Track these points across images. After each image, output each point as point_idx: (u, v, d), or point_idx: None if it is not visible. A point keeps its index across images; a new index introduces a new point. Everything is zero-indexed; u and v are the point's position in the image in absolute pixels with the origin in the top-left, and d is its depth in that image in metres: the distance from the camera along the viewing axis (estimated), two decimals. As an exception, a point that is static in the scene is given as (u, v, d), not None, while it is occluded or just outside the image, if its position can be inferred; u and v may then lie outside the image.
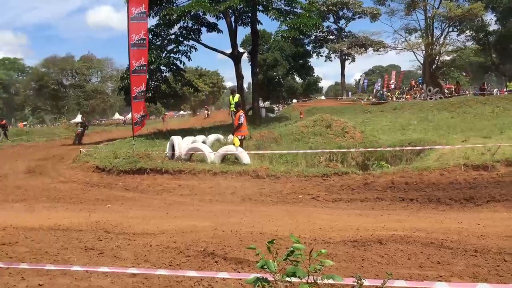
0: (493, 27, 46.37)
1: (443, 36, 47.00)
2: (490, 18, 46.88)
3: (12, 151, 24.75)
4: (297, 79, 65.78)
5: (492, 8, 43.18)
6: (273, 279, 2.59)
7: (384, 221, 7.48)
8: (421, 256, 5.07)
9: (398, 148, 14.60)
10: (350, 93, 73.45)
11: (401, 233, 6.08)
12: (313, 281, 2.57)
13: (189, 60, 30.14)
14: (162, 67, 29.69)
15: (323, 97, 74.57)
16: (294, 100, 61.15)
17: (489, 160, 10.78)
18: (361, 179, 11.27)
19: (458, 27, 46.09)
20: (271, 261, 2.58)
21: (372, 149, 14.85)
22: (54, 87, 76.64)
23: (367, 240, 5.85)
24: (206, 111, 53.46)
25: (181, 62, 29.61)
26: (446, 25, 46.15)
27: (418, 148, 14.28)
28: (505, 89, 45.13)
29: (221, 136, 18.32)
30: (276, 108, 56.64)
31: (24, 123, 77.85)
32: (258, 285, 2.53)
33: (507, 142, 12.26)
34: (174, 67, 30.25)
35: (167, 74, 31.80)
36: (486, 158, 11.05)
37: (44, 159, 19.04)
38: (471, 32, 46.39)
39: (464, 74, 67.80)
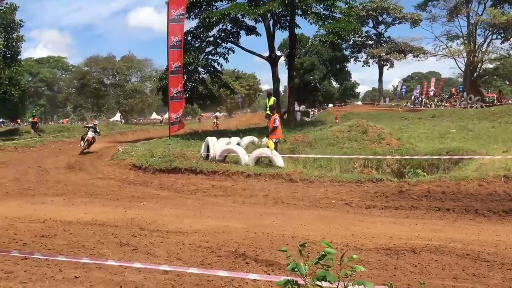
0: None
1: (486, 44, 45.74)
2: (536, 26, 45.35)
3: (53, 147, 25.64)
4: (334, 83, 65.35)
5: (539, 15, 41.77)
6: (303, 282, 2.60)
7: (418, 230, 7.34)
8: (456, 268, 4.96)
9: (435, 157, 14.28)
10: (387, 99, 72.42)
11: (435, 243, 5.96)
12: (343, 287, 2.56)
13: (226, 62, 30.46)
14: (200, 69, 30.12)
15: (359, 103, 73.80)
16: (330, 105, 60.73)
17: (531, 172, 10.41)
18: (396, 187, 11.09)
19: (502, 35, 44.66)
20: (302, 264, 2.59)
21: (408, 156, 14.59)
22: (95, 85, 78.70)
23: (401, 249, 5.77)
24: (215, 120, 47.88)
25: (218, 64, 29.97)
26: (490, 33, 44.86)
27: (456, 157, 13.95)
28: (550, 99, 43.56)
29: (255, 139, 18.41)
30: (312, 112, 56.40)
31: (67, 119, 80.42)
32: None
33: (551, 154, 11.82)
34: (212, 68, 30.63)
35: (205, 76, 32.21)
36: (528, 170, 10.68)
37: (83, 155, 19.62)
38: (516, 40, 44.97)
39: (508, 83, 65.70)
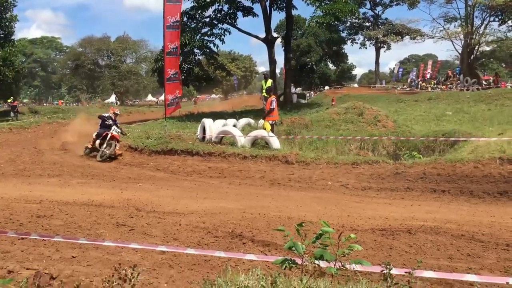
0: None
1: (483, 26, 45.45)
2: (534, 8, 45.05)
3: (48, 128, 25.50)
4: (330, 65, 64.98)
5: (538, -3, 41.47)
6: (301, 261, 2.61)
7: (414, 211, 7.39)
8: (450, 248, 5.00)
9: (431, 139, 14.34)
10: (384, 81, 72.13)
11: (431, 224, 6.00)
12: (341, 265, 2.58)
13: (222, 43, 30.20)
14: (196, 50, 29.85)
15: (356, 85, 73.52)
16: (327, 87, 60.47)
17: (526, 154, 10.47)
18: (391, 169, 11.15)
19: (500, 17, 44.36)
20: (299, 243, 2.60)
21: (404, 138, 14.62)
22: (90, 66, 78.01)
23: (396, 229, 5.81)
24: (195, 104, 40.19)
25: (214, 45, 29.72)
26: (487, 15, 44.54)
27: (452, 139, 13.99)
28: (546, 83, 43.52)
29: (252, 121, 18.37)
30: (308, 94, 56.21)
31: (62, 101, 79.87)
32: (286, 267, 2.55)
33: (546, 137, 11.86)
34: (208, 50, 30.38)
35: (200, 57, 31.96)
36: (523, 152, 10.73)
37: (79, 136, 19.53)
38: (513, 22, 44.70)
39: (504, 65, 65.56)
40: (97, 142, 14.23)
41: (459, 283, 3.74)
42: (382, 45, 64.42)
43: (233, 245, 5.20)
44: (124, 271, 2.51)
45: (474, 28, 44.89)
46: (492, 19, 45.24)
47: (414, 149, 14.84)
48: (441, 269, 4.35)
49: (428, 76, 58.12)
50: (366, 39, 64.02)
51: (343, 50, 62.98)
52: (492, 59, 57.20)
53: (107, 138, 14.13)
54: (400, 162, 11.88)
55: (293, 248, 2.56)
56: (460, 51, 48.13)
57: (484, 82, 40.18)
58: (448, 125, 19.69)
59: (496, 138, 13.00)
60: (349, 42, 65.23)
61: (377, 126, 19.04)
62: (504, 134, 13.90)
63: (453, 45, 48.56)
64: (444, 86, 44.40)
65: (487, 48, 50.41)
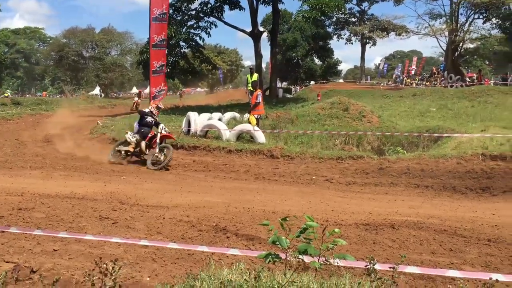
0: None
1: (468, 23, 45.91)
2: (519, 7, 45.58)
3: (31, 120, 25.14)
4: (316, 60, 65.04)
5: (521, -5, 42.03)
6: (285, 255, 2.60)
7: (397, 206, 7.45)
8: (433, 243, 5.04)
9: (415, 134, 14.45)
10: (369, 77, 72.59)
11: (414, 219, 6.05)
12: (324, 260, 2.57)
13: (208, 36, 30.15)
14: (181, 43, 29.65)
15: (341, 80, 73.86)
16: (312, 82, 60.55)
17: (508, 150, 10.63)
18: (376, 164, 11.23)
19: (484, 15, 44.86)
20: (283, 237, 2.58)
21: (389, 133, 14.72)
22: (74, 58, 76.93)
23: (380, 224, 5.84)
24: (136, 99, 32.15)
25: (200, 38, 29.55)
26: (472, 12, 44.98)
27: (435, 135, 14.14)
28: (528, 80, 44.18)
29: (237, 114, 18.32)
30: (294, 89, 56.25)
31: (46, 92, 78.74)
32: (270, 261, 2.54)
33: (527, 134, 12.03)
34: (193, 43, 30.19)
35: (186, 50, 31.75)
36: (505, 149, 10.89)
37: (62, 128, 19.27)
38: (497, 20, 45.11)
39: (487, 63, 66.35)
40: (143, 144, 11.93)
41: (441, 278, 3.77)
42: (367, 40, 64.75)
43: (217, 239, 5.17)
44: (105, 265, 2.47)
45: (458, 25, 45.30)
46: (476, 16, 45.70)
47: (399, 144, 14.96)
48: (424, 264, 4.38)
49: (413, 72, 58.61)
50: (352, 35, 64.31)
51: (329, 45, 63.00)
52: (476, 57, 57.87)
53: (157, 140, 11.84)
54: (385, 157, 11.98)
55: (277, 243, 2.55)
56: (444, 48, 48.57)
57: (467, 79, 40.57)
58: (432, 121, 19.83)
59: (479, 134, 13.14)
60: (335, 37, 65.40)
61: (362, 122, 19.12)
62: (487, 131, 14.04)
63: (438, 42, 49.01)
64: (428, 83, 44.78)
65: (471, 46, 50.96)
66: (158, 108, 12.89)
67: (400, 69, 65.08)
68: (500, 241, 5.07)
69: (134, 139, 12.04)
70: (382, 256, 4.69)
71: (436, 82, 42.87)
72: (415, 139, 15.07)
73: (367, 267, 2.44)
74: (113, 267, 2.44)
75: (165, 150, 11.77)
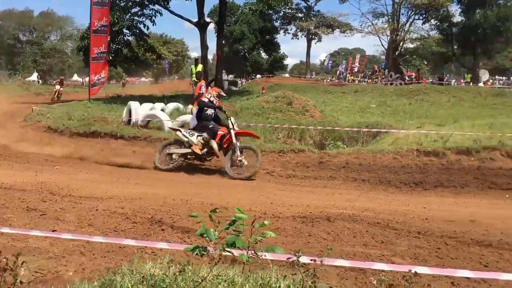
0: (457, 18, 47.38)
1: (408, 23, 47.65)
2: (455, 10, 47.80)
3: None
4: (263, 54, 65.32)
5: (458, 0, 44.09)
6: (213, 248, 2.53)
7: (335, 199, 7.57)
8: (366, 235, 5.15)
9: (355, 129, 14.80)
10: (314, 73, 73.79)
11: (349, 212, 6.16)
12: (253, 253, 2.53)
13: (153, 25, 29.30)
14: (125, 30, 28.79)
15: (287, 75, 74.60)
16: (258, 76, 60.80)
17: (440, 147, 11.09)
18: (316, 158, 11.39)
19: (424, 16, 46.72)
20: (212, 230, 2.51)
21: (330, 128, 14.99)
22: (10, 42, 73.08)
23: (316, 217, 5.90)
24: (58, 87, 29.48)
25: (145, 26, 28.80)
26: (413, 13, 46.72)
27: (374, 130, 14.55)
28: (462, 80, 46.50)
29: (181, 105, 18.02)
30: (240, 82, 56.22)
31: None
32: (197, 254, 2.46)
33: (459, 131, 12.60)
34: (137, 31, 29.39)
35: (130, 38, 30.87)
36: (438, 145, 11.35)
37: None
38: (435, 21, 47.14)
39: (426, 63, 69.16)
40: (214, 144, 9.61)
41: (371, 270, 3.84)
42: (313, 36, 65.63)
43: (151, 231, 5.04)
44: (5, 259, 2.27)
45: (399, 25, 46.90)
46: (416, 17, 47.51)
47: (339, 139, 15.27)
48: (356, 256, 4.47)
49: (355, 69, 60.14)
50: (298, 30, 64.94)
51: (276, 40, 63.47)
52: (415, 56, 60.12)
53: (233, 139, 9.56)
54: (325, 151, 12.18)
55: (205, 235, 2.48)
56: (386, 46, 50.16)
57: (407, 78, 42.15)
58: (371, 117, 20.45)
59: (415, 130, 13.64)
60: (282, 32, 65.84)
61: (305, 116, 19.36)
62: (422, 127, 14.62)
63: (380, 40, 50.66)
64: (370, 80, 46.14)
65: (411, 45, 52.94)
66: (219, 96, 10.37)
67: (344, 66, 66.55)
68: (429, 233, 5.25)
69: (201, 138, 9.62)
70: (317, 248, 4.73)
71: (377, 80, 44.27)
72: (355, 134, 15.44)
73: (288, 259, 2.42)
74: (15, 262, 2.27)
75: (245, 152, 9.61)
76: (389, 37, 48.15)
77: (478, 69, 45.72)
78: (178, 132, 10.11)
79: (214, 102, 10.08)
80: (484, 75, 45.10)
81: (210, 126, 9.81)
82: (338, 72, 62.74)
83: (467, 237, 5.09)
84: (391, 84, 38.79)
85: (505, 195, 8.31)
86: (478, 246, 4.76)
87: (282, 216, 6.00)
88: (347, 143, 14.81)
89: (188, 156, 9.91)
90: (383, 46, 51.54)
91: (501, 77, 52.40)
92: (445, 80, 41.11)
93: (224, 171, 9.86)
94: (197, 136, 9.75)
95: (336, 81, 51.40)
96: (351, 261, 3.54)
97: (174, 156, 9.97)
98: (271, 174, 10.31)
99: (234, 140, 9.53)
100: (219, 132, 9.78)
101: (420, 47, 52.50)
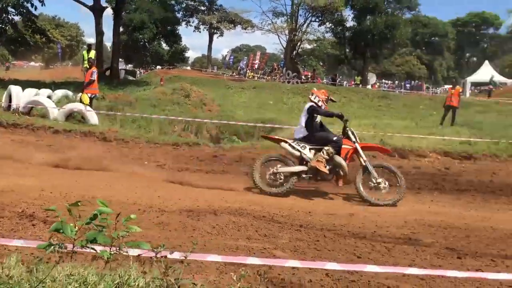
0: (350, 23, 50.05)
1: (306, 25, 49.39)
2: (348, 15, 50.43)
3: None
4: (164, 45, 63.99)
5: (352, 5, 46.48)
6: (72, 245, 2.32)
7: (224, 193, 7.54)
8: (250, 229, 5.16)
9: (250, 124, 14.99)
10: (215, 67, 73.79)
11: (237, 206, 6.15)
12: (117, 249, 2.35)
13: (42, 5, 27.24)
14: (10, 9, 26.50)
15: (188, 68, 73.85)
16: (158, 67, 59.50)
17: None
18: (211, 151, 11.38)
19: (320, 18, 48.74)
20: (71, 224, 2.30)
21: (225, 122, 15.05)
22: None
23: (203, 211, 5.81)
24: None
25: (32, 5, 26.71)
26: (310, 14, 48.51)
27: (268, 125, 14.83)
28: (353, 82, 49.34)
29: (70, 93, 17.03)
30: (139, 72, 54.57)
31: None
32: (52, 251, 2.24)
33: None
34: (24, 10, 27.20)
35: (16, 18, 28.51)
36: (327, 142, 11.83)
37: None
38: (330, 25, 49.43)
39: (322, 64, 72.38)
40: (342, 162, 7.66)
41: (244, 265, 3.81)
42: (215, 31, 65.52)
43: (20, 226, 4.60)
44: None
45: (297, 26, 48.47)
46: (313, 19, 49.40)
47: (236, 134, 15.40)
48: (239, 249, 4.44)
49: (256, 66, 61.14)
50: (200, 23, 64.37)
51: (177, 31, 62.46)
52: (312, 57, 62.66)
53: (362, 156, 7.79)
54: (220, 145, 12.20)
55: (61, 230, 2.26)
56: (284, 45, 51.60)
57: (303, 77, 43.78)
58: (268, 113, 20.86)
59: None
60: (184, 23, 64.87)
61: (203, 109, 19.31)
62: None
63: (279, 39, 51.86)
64: (269, 77, 47.19)
65: (309, 46, 55.05)
66: (329, 100, 8.50)
67: (245, 62, 67.24)
68: (310, 226, 5.40)
69: (324, 152, 7.67)
70: (200, 242, 4.62)
71: (276, 78, 45.40)
72: (251, 130, 15.65)
73: (156, 256, 2.29)
74: None
75: (378, 171, 7.77)
76: (287, 37, 49.57)
77: (367, 72, 48.81)
78: (283, 144, 8.07)
79: (323, 107, 8.23)
80: (372, 78, 48.37)
81: (334, 138, 7.86)
82: (239, 68, 63.34)
83: (345, 230, 5.32)
84: (288, 82, 40.02)
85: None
86: (353, 238, 4.98)
87: (168, 210, 5.83)
88: (244, 138, 14.99)
89: (303, 176, 7.86)
90: (282, 45, 53.01)
91: (387, 81, 56.40)
92: (337, 81, 43.31)
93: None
94: (310, 149, 7.88)
95: (237, 76, 51.87)
96: (222, 256, 3.49)
97: (283, 176, 7.82)
98: (162, 167, 10.05)
99: (364, 157, 7.79)
100: (344, 146, 7.80)
101: (317, 48, 54.80)
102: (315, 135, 7.99)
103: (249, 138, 14.96)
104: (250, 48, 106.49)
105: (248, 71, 55.15)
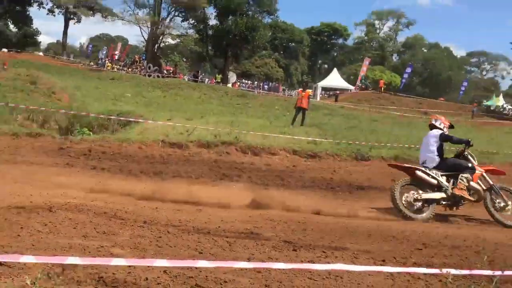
0: (212, 21, 50.61)
1: (169, 19, 48.80)
2: (211, 13, 50.92)
3: None
4: (12, 26, 58.11)
5: (214, 4, 47.04)
6: None
7: (66, 187, 6.98)
8: (89, 226, 4.81)
9: (102, 116, 14.27)
10: (72, 55, 69.06)
11: (77, 202, 5.73)
12: None
13: None
14: None
15: (41, 53, 68.02)
16: (4, 49, 53.77)
17: (184, 139, 11.54)
18: (57, 143, 10.60)
19: (183, 14, 48.54)
20: None
21: (75, 112, 14.14)
22: None
23: (37, 207, 5.29)
24: None
25: None
26: (173, 9, 48.06)
27: (122, 119, 14.29)
28: (214, 80, 50.05)
29: None
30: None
31: None
32: None
33: (204, 126, 13.33)
34: None
35: None
36: (183, 138, 11.80)
37: None
38: (193, 21, 49.47)
39: (185, 60, 72.20)
40: (479, 187, 7.88)
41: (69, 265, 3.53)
42: (72, 16, 61.27)
43: None
44: None
45: (160, 19, 47.66)
46: (177, 13, 49.03)
47: (88, 126, 14.50)
48: (72, 248, 4.11)
49: (116, 57, 58.64)
50: (55, 6, 59.66)
51: (28, 12, 57.19)
52: (175, 52, 62.17)
53: (488, 180, 7.98)
54: (67, 137, 11.43)
55: None
56: (147, 38, 50.37)
57: (165, 71, 43.17)
58: (125, 106, 20.03)
59: (163, 122, 13.88)
60: (36, 5, 59.50)
61: (51, 98, 17.87)
62: (172, 120, 14.97)
63: (141, 31, 50.44)
64: (129, 69, 45.65)
65: (172, 41, 54.52)
66: (450, 126, 8.46)
67: (104, 52, 64.15)
68: (155, 222, 5.22)
69: (464, 180, 7.74)
70: (29, 241, 4.19)
71: (137, 70, 44.11)
72: (105, 122, 14.87)
73: None
74: None
75: (502, 193, 7.86)
76: (149, 29, 48.46)
77: (228, 71, 49.83)
78: (418, 172, 7.81)
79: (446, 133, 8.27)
80: (233, 77, 49.60)
81: (469, 165, 7.97)
82: (98, 58, 60.13)
83: (190, 225, 5.24)
84: (149, 75, 39.17)
85: (233, 185, 8.99)
86: (197, 233, 4.92)
87: (-6, 207, 5.20)
88: (96, 131, 14.18)
89: (442, 202, 7.82)
90: (144, 37, 51.66)
91: (246, 81, 58.16)
92: (199, 78, 43.51)
93: None
94: (441, 175, 7.85)
95: (94, 66, 49.22)
96: (37, 257, 3.18)
97: (425, 203, 7.65)
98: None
99: (490, 181, 7.95)
100: (476, 172, 7.98)
101: (180, 44, 54.49)
102: (448, 162, 8.10)
103: (104, 131, 14.19)
104: (111, 38, 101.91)
105: (107, 61, 52.67)
